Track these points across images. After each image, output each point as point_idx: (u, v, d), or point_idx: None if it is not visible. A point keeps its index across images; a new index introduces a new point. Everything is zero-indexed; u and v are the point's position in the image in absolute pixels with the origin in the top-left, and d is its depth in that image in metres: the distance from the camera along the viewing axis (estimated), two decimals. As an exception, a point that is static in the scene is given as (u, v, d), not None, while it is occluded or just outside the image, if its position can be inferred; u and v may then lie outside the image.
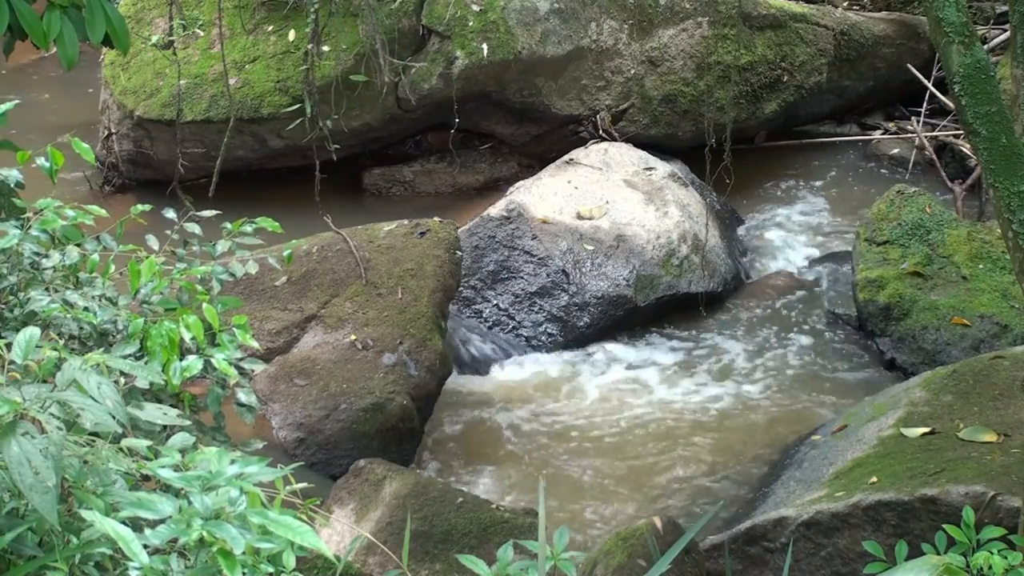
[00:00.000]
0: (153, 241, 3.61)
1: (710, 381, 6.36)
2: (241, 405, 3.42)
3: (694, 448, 5.81)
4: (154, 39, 7.70)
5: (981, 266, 6.44)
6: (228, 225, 3.76)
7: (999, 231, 4.43)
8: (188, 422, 2.82)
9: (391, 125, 7.83)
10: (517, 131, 8.06)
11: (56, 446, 2.13)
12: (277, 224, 3.74)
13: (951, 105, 7.09)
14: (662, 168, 7.46)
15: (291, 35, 7.54)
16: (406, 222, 6.29)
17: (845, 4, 9.06)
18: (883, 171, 8.40)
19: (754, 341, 6.70)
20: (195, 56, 7.75)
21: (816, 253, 7.56)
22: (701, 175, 7.35)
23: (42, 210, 3.41)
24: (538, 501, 3.18)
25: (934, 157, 8.10)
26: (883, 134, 8.68)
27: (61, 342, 2.88)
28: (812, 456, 5.16)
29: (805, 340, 6.68)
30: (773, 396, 6.21)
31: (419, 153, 8.19)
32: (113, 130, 7.94)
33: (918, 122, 8.43)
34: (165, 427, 2.91)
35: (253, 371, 3.43)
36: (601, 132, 7.87)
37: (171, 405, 3.08)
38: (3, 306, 3.24)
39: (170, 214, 3.76)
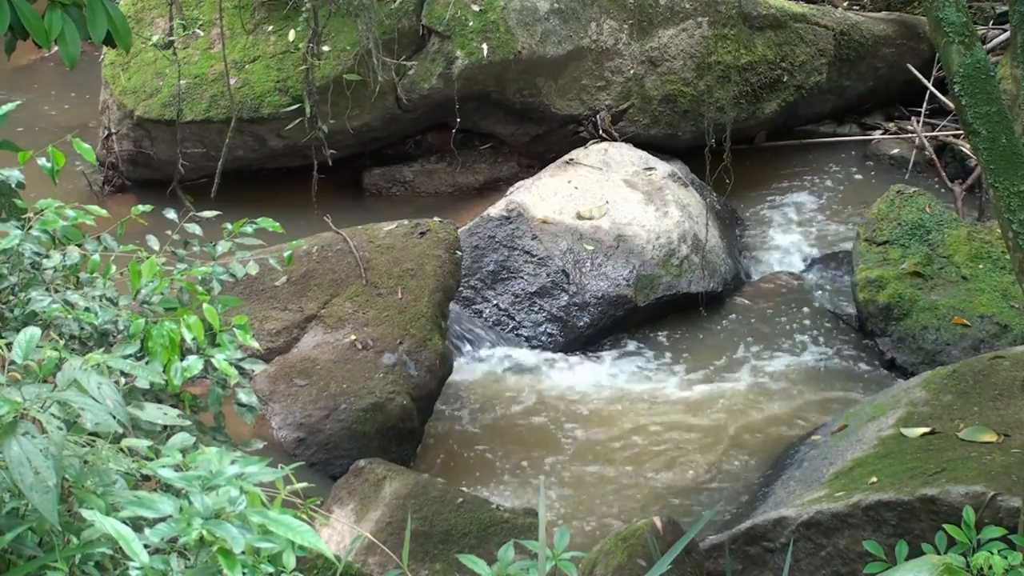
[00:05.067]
0: (154, 241, 3.61)
1: (710, 381, 6.36)
2: (241, 405, 3.42)
3: (694, 448, 5.81)
4: (154, 39, 7.71)
5: (981, 266, 6.44)
6: (228, 225, 3.76)
7: (999, 231, 4.43)
8: (188, 422, 2.83)
9: (391, 125, 7.82)
10: (517, 131, 8.06)
11: (56, 446, 2.13)
12: (278, 224, 3.74)
13: (951, 105, 7.09)
14: (662, 168, 7.46)
15: (291, 35, 7.54)
16: (406, 222, 6.29)
17: (845, 4, 9.06)
18: (883, 171, 8.40)
19: (754, 341, 6.69)
20: (195, 56, 7.76)
21: (816, 253, 7.56)
22: (701, 175, 7.35)
23: (43, 210, 3.41)
24: (538, 501, 3.18)
25: (934, 157, 8.09)
26: (883, 134, 8.68)
27: (62, 342, 2.88)
28: (812, 456, 5.16)
29: (805, 340, 6.68)
30: (773, 396, 6.21)
31: (419, 153, 8.18)
32: (113, 130, 7.94)
33: (918, 122, 8.43)
34: (165, 427, 2.91)
35: (253, 371, 3.43)
36: (601, 132, 7.87)
37: (171, 405, 3.08)
38: (4, 306, 3.24)
39: (171, 214, 3.76)
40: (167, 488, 2.35)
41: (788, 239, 7.73)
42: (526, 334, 6.64)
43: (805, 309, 6.96)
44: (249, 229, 3.76)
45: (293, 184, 7.43)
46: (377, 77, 6.92)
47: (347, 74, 7.11)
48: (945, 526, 3.59)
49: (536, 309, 6.69)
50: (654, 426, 5.98)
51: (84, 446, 2.32)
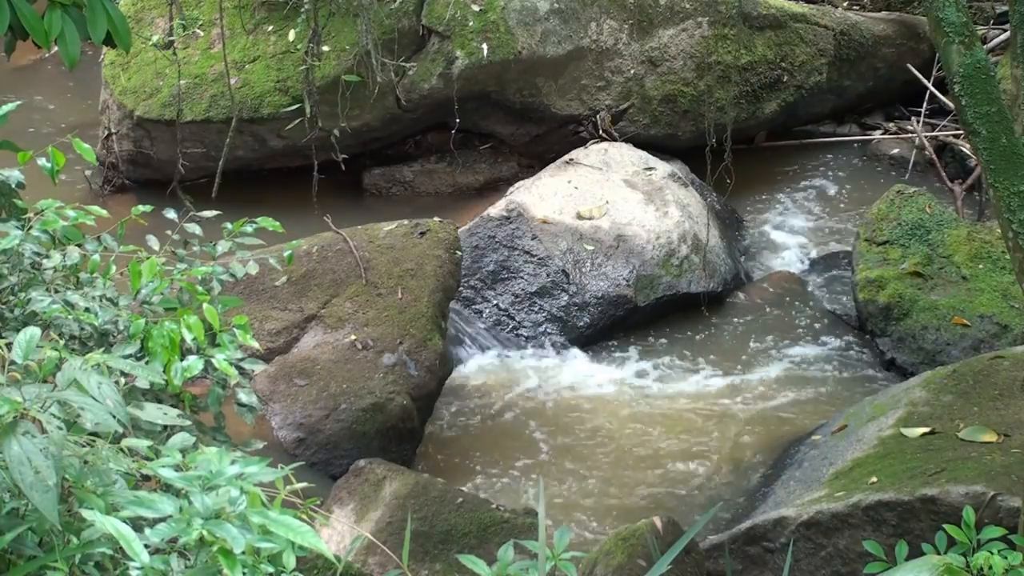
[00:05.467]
0: (154, 241, 3.61)
1: (710, 381, 6.36)
2: (241, 405, 3.42)
3: (694, 448, 5.81)
4: (154, 39, 7.70)
5: (981, 266, 6.44)
6: (228, 225, 3.76)
7: (999, 231, 4.43)
8: (188, 422, 2.83)
9: (391, 125, 7.83)
10: (517, 131, 8.06)
11: (56, 446, 2.13)
12: (278, 224, 3.74)
13: (951, 105, 7.09)
14: (662, 168, 7.46)
15: (291, 35, 7.53)
16: (406, 222, 6.29)
17: (845, 4, 9.06)
18: (883, 171, 8.40)
19: (754, 341, 6.70)
20: (195, 56, 7.76)
21: (816, 253, 7.56)
22: (701, 175, 7.35)
23: (43, 210, 3.41)
24: (538, 501, 3.18)
25: (934, 157, 8.10)
26: (883, 134, 8.68)
27: (62, 342, 2.88)
28: (812, 456, 5.16)
29: (805, 340, 6.68)
30: (773, 396, 6.21)
31: (419, 153, 8.18)
32: (113, 130, 7.94)
33: (918, 122, 8.43)
34: (165, 427, 2.91)
35: (253, 371, 3.43)
36: (601, 132, 7.87)
37: (171, 405, 3.08)
38: (4, 306, 3.24)
39: (171, 214, 3.76)
40: (167, 488, 2.35)
41: (788, 239, 7.73)
42: (526, 334, 6.64)
43: (805, 309, 6.96)
44: (249, 229, 3.75)
45: (293, 184, 7.43)
46: (376, 77, 6.92)
47: (346, 75, 7.11)
48: (945, 526, 3.59)
49: (536, 309, 6.69)
50: (654, 426, 5.98)
51: (84, 446, 2.32)
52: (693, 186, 7.53)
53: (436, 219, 6.33)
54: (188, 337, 3.10)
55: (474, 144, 8.17)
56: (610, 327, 6.70)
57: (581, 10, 7.82)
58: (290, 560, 2.23)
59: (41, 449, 2.11)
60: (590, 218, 6.96)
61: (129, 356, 2.98)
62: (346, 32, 7.46)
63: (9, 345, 2.38)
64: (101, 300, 3.28)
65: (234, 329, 3.32)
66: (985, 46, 8.06)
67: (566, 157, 7.51)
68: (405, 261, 6.03)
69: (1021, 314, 6.18)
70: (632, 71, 7.93)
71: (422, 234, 6.17)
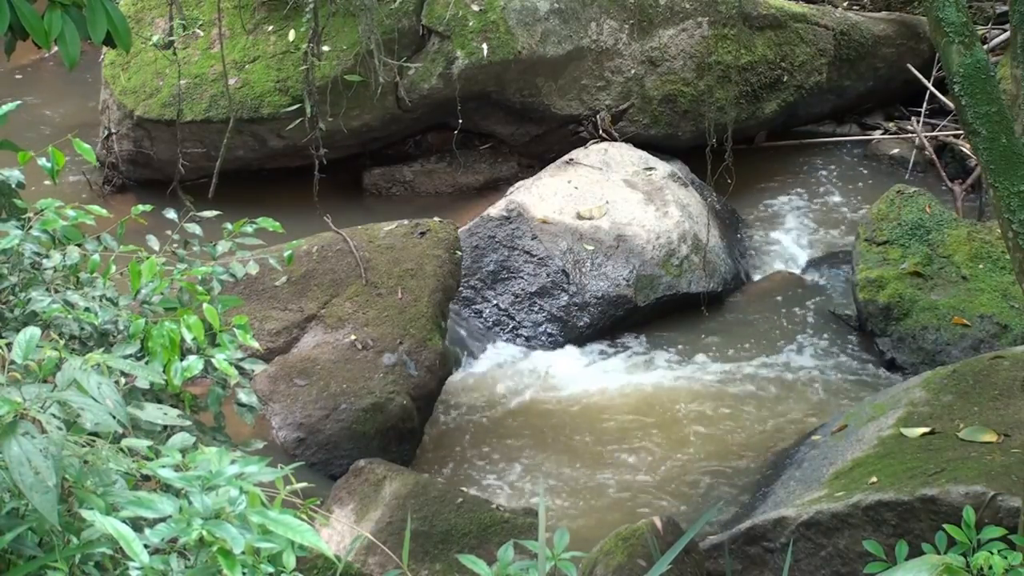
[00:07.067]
0: (154, 241, 3.61)
1: (710, 381, 6.36)
2: (241, 405, 3.42)
3: (694, 448, 5.81)
4: (154, 39, 7.70)
5: (981, 266, 6.44)
6: (229, 225, 3.76)
7: (999, 231, 4.43)
8: (188, 422, 2.83)
9: (391, 125, 7.82)
10: (517, 131, 8.06)
11: (56, 446, 2.13)
12: (278, 224, 3.74)
13: (951, 105, 7.09)
14: (662, 168, 7.46)
15: (291, 35, 7.54)
16: (406, 222, 6.29)
17: (845, 4, 9.06)
18: (883, 171, 8.40)
19: (754, 341, 6.69)
20: (195, 56, 7.76)
21: (816, 253, 7.56)
22: (701, 175, 7.35)
23: (43, 210, 3.41)
24: (538, 501, 3.18)
25: (934, 157, 8.10)
26: (883, 134, 8.68)
27: (62, 342, 2.88)
28: (812, 456, 5.16)
29: (805, 340, 6.68)
30: (773, 396, 6.21)
31: (419, 153, 8.18)
32: (113, 130, 7.94)
33: (918, 122, 8.43)
34: (165, 427, 2.91)
35: (253, 371, 3.43)
36: (601, 132, 7.86)
37: (171, 405, 3.08)
38: (4, 306, 3.24)
39: (171, 214, 3.76)
40: (167, 488, 2.35)
41: (788, 239, 7.73)
42: (526, 334, 6.64)
43: (805, 309, 6.96)
44: (249, 229, 3.76)
45: (293, 184, 7.43)
46: (379, 78, 6.92)
47: (349, 75, 7.11)
48: (945, 526, 3.59)
49: (536, 309, 6.69)
50: (654, 426, 5.98)
51: (84, 446, 2.32)
52: (693, 186, 7.53)
53: (436, 219, 6.33)
54: (188, 337, 3.10)
55: (474, 144, 8.17)
56: (610, 327, 6.70)
57: (581, 10, 7.82)
58: (290, 560, 2.24)
59: (41, 449, 2.11)
60: (590, 218, 6.96)
61: (129, 356, 2.98)
62: (346, 32, 7.46)
63: (9, 345, 2.38)
64: (101, 300, 3.28)
65: (234, 329, 3.32)
66: (985, 46, 8.06)
67: (566, 157, 7.51)
68: (405, 261, 6.03)
69: (1021, 314, 6.18)
70: (632, 71, 7.93)
71: (422, 234, 6.17)
